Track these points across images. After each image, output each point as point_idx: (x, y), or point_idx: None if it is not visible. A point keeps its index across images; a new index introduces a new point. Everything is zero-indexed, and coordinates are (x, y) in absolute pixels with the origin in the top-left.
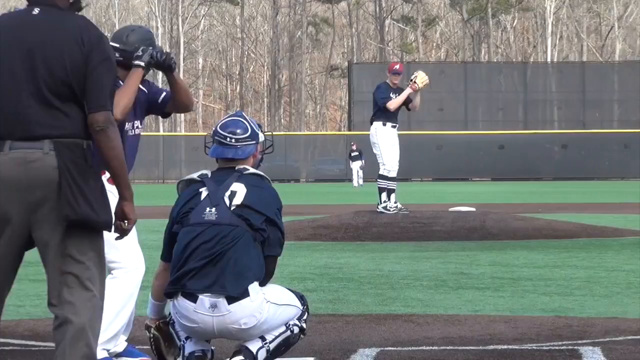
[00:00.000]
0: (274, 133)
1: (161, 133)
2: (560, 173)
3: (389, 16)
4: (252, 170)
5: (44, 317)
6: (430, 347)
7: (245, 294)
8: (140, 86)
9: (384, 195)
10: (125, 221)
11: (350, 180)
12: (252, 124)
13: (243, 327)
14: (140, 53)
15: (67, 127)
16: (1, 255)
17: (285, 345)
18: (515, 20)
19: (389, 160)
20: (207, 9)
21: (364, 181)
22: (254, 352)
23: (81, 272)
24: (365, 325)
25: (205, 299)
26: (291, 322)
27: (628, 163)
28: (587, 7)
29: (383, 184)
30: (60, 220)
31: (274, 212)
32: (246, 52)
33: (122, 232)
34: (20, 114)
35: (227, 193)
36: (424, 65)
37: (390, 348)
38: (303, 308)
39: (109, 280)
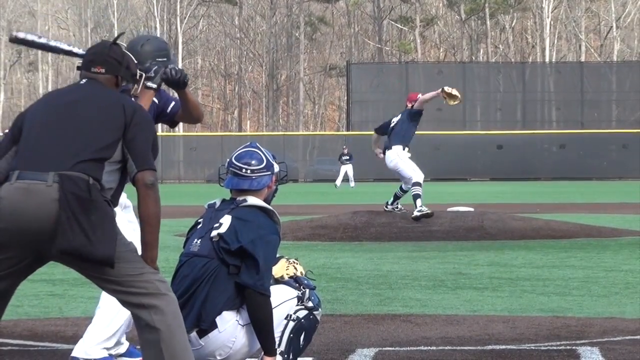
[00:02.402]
0: (272, 133)
1: (159, 133)
2: (558, 173)
3: (387, 16)
4: (252, 202)
5: (42, 317)
6: (429, 347)
7: (212, 326)
8: None
9: (419, 202)
10: None
11: (347, 180)
12: (266, 155)
13: (218, 357)
14: (153, 74)
15: (75, 163)
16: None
17: (301, 333)
18: (514, 20)
19: (418, 172)
20: (205, 9)
21: (355, 182)
22: None
23: (137, 291)
24: (363, 325)
25: None
26: (290, 313)
27: (626, 163)
28: (585, 7)
29: (417, 190)
30: (58, 253)
31: (249, 240)
32: (244, 52)
33: None
34: (32, 146)
35: (216, 225)
36: (422, 66)
37: (388, 348)
38: (299, 293)
39: None
